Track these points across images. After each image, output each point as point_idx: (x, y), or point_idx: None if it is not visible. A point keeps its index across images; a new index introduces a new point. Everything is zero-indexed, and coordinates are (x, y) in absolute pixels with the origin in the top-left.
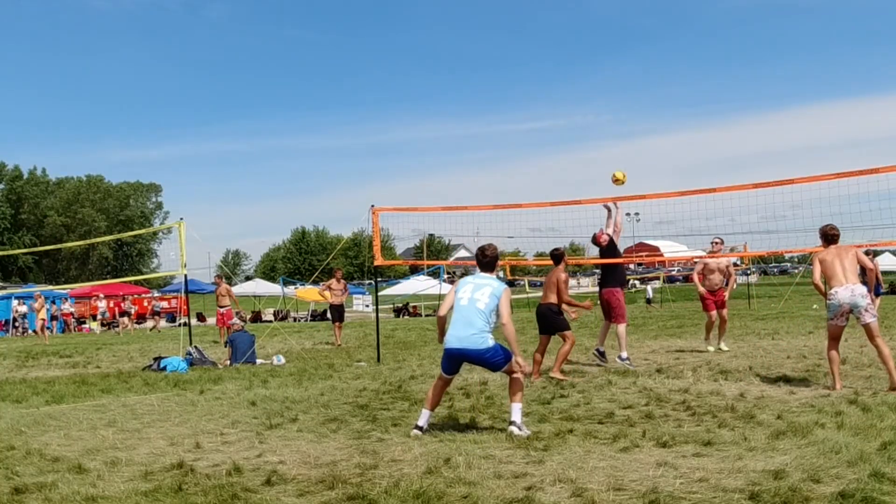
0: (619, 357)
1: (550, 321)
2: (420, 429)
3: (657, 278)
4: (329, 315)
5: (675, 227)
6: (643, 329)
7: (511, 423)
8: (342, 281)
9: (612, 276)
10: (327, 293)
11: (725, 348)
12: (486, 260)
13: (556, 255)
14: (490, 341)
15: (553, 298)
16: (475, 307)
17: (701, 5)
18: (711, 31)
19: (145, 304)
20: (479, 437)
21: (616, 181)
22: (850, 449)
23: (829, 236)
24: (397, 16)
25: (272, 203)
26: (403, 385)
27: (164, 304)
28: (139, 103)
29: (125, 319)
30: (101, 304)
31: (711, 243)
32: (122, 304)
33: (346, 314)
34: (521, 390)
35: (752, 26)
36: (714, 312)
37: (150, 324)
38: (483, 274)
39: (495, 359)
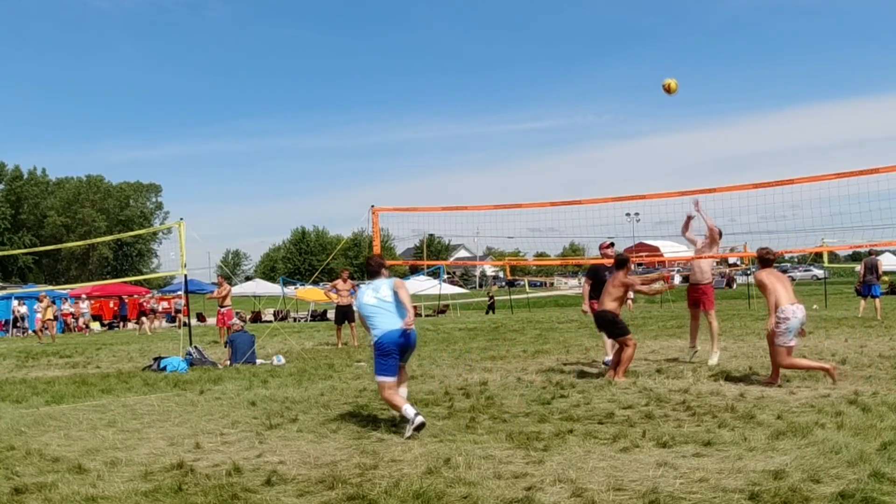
0: (604, 361)
1: (607, 328)
2: (418, 415)
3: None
4: (333, 316)
5: (675, 227)
6: (643, 329)
7: (413, 417)
8: (349, 281)
9: (598, 292)
10: (333, 294)
11: (714, 362)
12: (372, 269)
13: (621, 260)
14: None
15: (609, 305)
16: (384, 302)
17: (701, 5)
18: (712, 32)
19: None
20: (479, 437)
21: (668, 90)
22: (850, 449)
23: (767, 260)
24: (397, 16)
25: (272, 203)
26: None
27: (180, 303)
28: (139, 103)
29: (143, 319)
30: (84, 306)
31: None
32: (146, 304)
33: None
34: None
35: (751, 27)
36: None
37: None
38: (375, 280)
39: (414, 348)
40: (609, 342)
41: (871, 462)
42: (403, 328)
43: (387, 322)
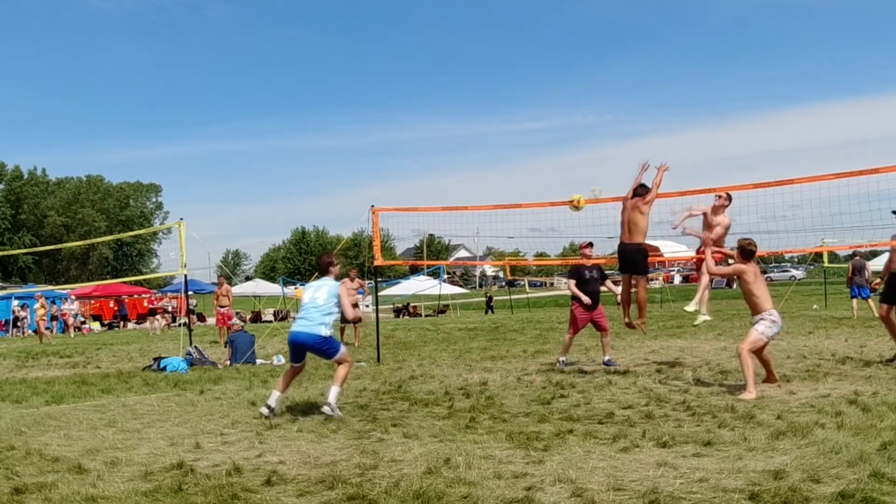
0: (604, 361)
1: (640, 263)
2: (269, 409)
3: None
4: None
5: None
6: None
7: (327, 403)
8: (357, 280)
9: (582, 291)
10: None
11: (691, 308)
12: (321, 266)
13: (641, 188)
14: (325, 332)
15: (639, 238)
16: (314, 304)
17: (701, 5)
18: (712, 31)
19: (146, 304)
20: (479, 437)
21: (576, 206)
22: (850, 449)
23: (749, 252)
24: (397, 16)
25: (272, 203)
26: (403, 385)
27: (194, 302)
28: (139, 103)
29: (158, 318)
30: (74, 307)
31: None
32: (158, 304)
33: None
34: (344, 377)
35: (752, 26)
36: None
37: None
38: (323, 278)
39: (328, 349)
40: (607, 342)
41: (871, 462)
42: (300, 331)
43: (301, 323)
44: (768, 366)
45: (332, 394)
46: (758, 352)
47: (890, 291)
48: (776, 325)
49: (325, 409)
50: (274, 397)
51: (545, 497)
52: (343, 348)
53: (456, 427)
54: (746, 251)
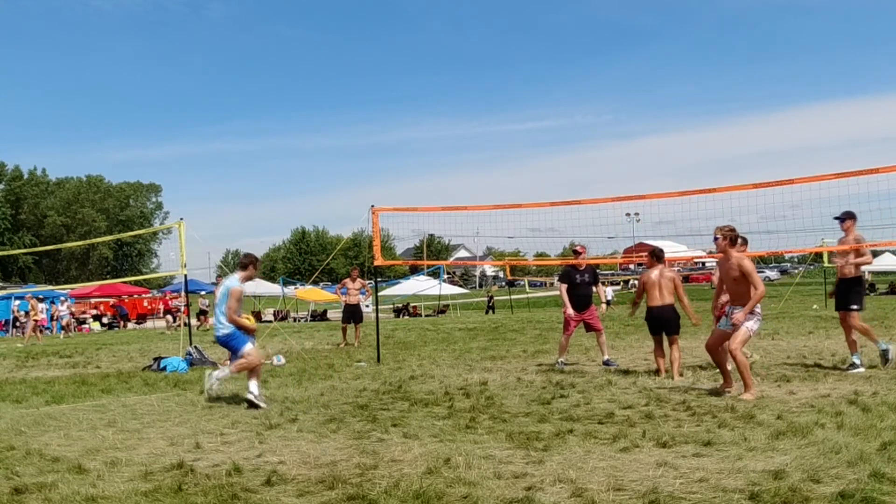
0: (604, 361)
1: (672, 325)
2: (253, 394)
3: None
4: (333, 315)
5: (675, 227)
6: (643, 329)
7: (249, 392)
8: (358, 280)
9: (570, 295)
10: (342, 296)
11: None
12: (238, 263)
13: (659, 254)
14: (226, 330)
15: (671, 299)
16: (217, 303)
17: (701, 5)
18: (711, 31)
19: (146, 304)
20: (479, 437)
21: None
22: (850, 449)
23: (737, 238)
24: (397, 16)
25: (272, 203)
26: (403, 385)
27: (206, 302)
28: (139, 103)
29: (168, 318)
30: (63, 308)
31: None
32: (170, 303)
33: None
34: (241, 368)
35: (752, 26)
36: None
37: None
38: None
39: (230, 344)
40: (603, 341)
41: (871, 462)
42: (215, 335)
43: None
44: (724, 367)
45: (250, 385)
46: (714, 350)
47: (842, 297)
48: (759, 317)
49: (249, 396)
50: (253, 385)
51: (545, 497)
52: (248, 345)
53: (456, 427)
54: (739, 238)
